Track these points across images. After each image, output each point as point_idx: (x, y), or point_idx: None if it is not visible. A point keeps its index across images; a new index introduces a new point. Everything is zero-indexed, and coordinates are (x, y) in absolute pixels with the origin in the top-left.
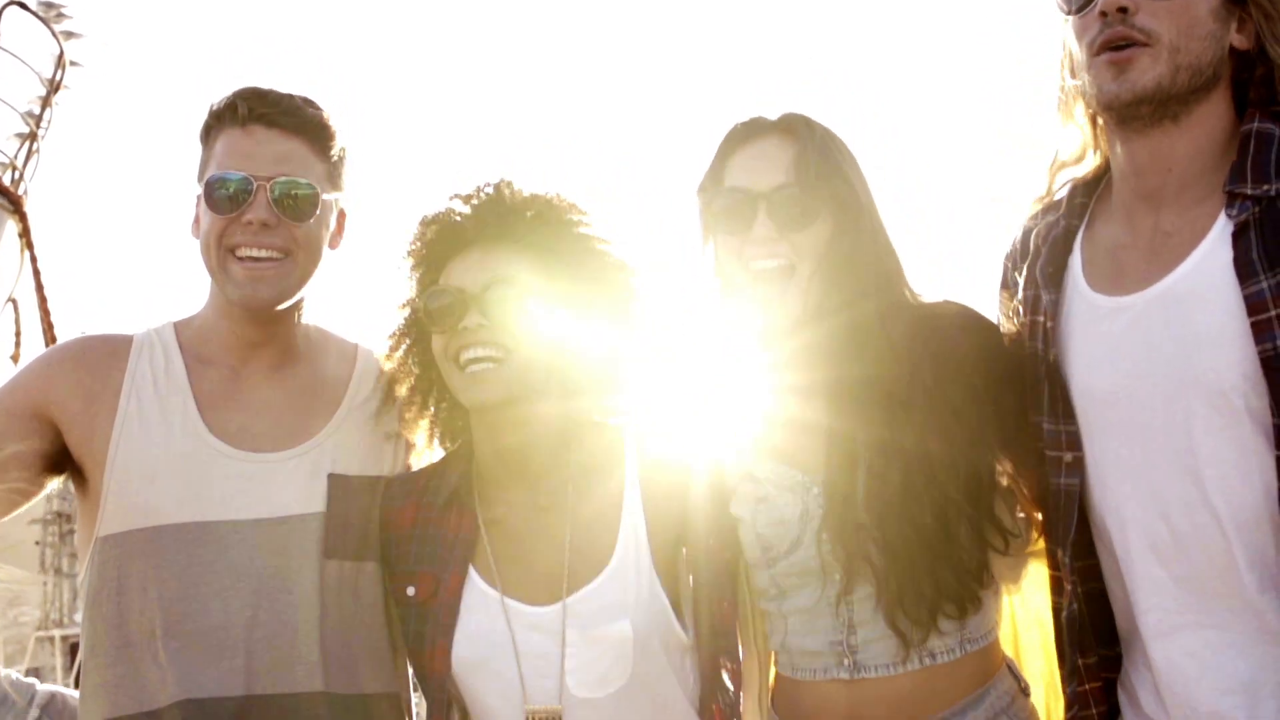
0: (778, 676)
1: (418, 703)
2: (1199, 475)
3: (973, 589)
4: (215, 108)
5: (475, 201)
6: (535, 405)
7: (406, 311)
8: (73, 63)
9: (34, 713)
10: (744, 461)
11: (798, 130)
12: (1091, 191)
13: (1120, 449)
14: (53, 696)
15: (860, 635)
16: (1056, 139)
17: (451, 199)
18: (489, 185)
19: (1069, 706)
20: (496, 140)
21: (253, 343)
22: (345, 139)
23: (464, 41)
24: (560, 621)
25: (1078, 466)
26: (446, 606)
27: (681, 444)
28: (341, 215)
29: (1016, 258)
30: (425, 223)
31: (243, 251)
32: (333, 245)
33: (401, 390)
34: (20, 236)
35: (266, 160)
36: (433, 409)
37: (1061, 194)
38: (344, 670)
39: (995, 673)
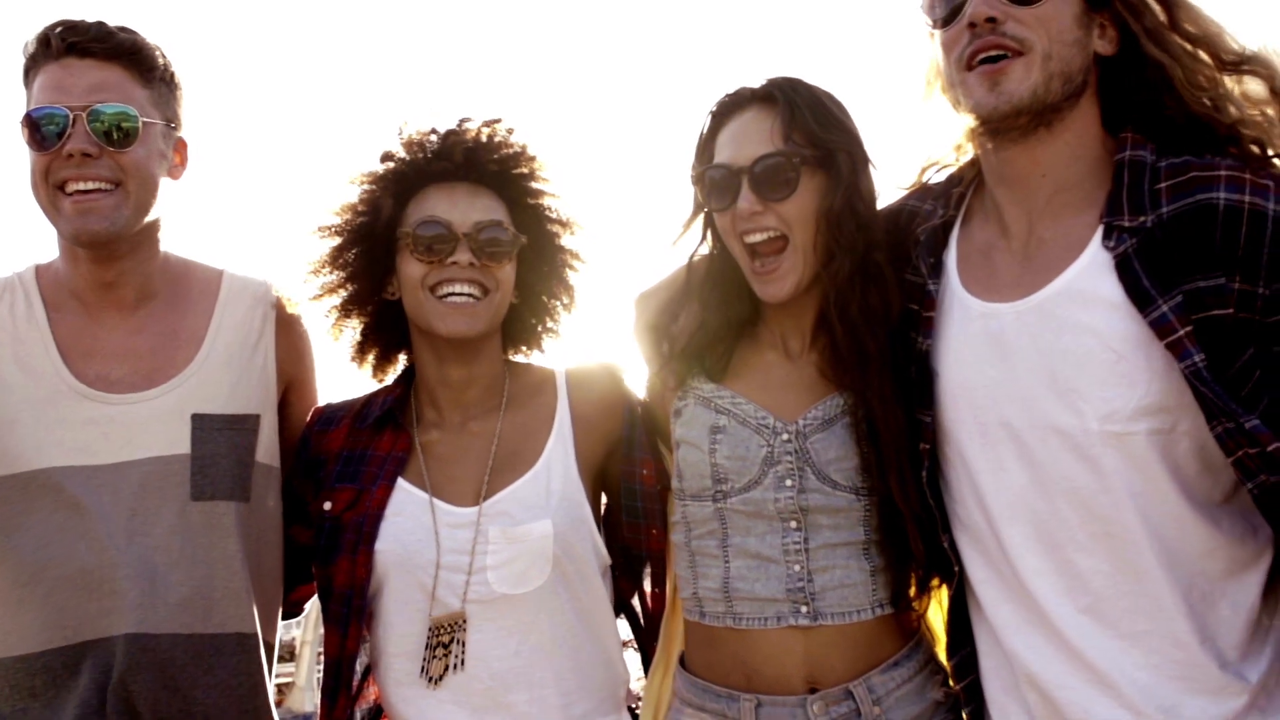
0: (689, 628)
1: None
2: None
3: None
4: (29, 45)
5: (469, 138)
6: (492, 341)
7: (361, 220)
8: None
9: None
10: (698, 386)
11: (778, 98)
12: (969, 184)
13: (960, 447)
14: None
15: (819, 582)
16: (928, 132)
17: (435, 126)
18: (484, 123)
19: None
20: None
21: (105, 283)
22: (175, 66)
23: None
24: (479, 520)
25: (927, 457)
26: (370, 515)
27: (616, 370)
28: (181, 145)
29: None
30: (409, 143)
31: (70, 186)
32: (173, 176)
33: (333, 296)
34: None
35: (82, 90)
36: (360, 322)
37: (936, 179)
38: (206, 610)
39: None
